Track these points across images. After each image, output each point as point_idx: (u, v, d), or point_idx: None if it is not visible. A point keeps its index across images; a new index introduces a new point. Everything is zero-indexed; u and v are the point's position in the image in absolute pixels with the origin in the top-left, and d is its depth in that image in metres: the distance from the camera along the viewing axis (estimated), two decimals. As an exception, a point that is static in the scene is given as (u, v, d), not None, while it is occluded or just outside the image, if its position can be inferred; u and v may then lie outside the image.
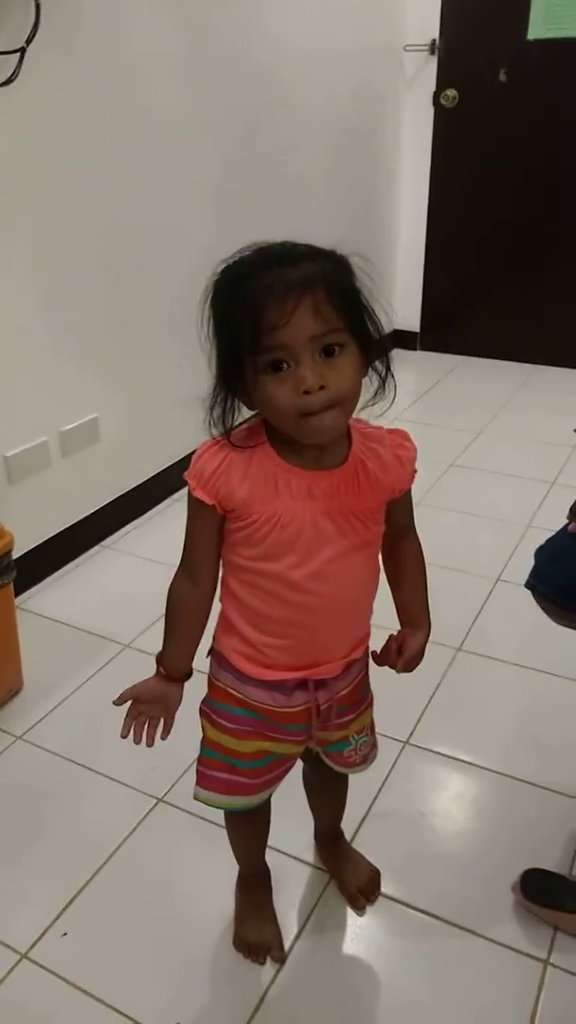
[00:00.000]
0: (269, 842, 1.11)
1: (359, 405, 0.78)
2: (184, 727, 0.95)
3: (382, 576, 0.93)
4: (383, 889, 1.18)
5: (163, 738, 0.93)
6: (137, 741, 0.92)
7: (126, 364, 2.11)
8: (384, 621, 0.96)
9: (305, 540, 0.80)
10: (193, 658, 0.92)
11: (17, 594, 1.72)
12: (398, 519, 0.89)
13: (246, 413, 0.80)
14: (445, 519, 2.21)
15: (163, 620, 0.90)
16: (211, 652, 0.94)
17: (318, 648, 0.88)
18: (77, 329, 1.91)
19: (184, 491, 0.83)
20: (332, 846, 1.20)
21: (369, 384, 0.79)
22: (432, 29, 3.21)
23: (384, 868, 1.19)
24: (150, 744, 0.92)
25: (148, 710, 0.91)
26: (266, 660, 0.87)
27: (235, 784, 0.94)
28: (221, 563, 0.87)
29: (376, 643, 0.97)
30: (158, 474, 2.28)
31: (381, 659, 0.96)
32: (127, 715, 0.92)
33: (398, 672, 0.96)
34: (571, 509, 1.06)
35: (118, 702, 0.91)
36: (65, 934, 1.12)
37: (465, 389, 3.29)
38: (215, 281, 0.75)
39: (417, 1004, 1.04)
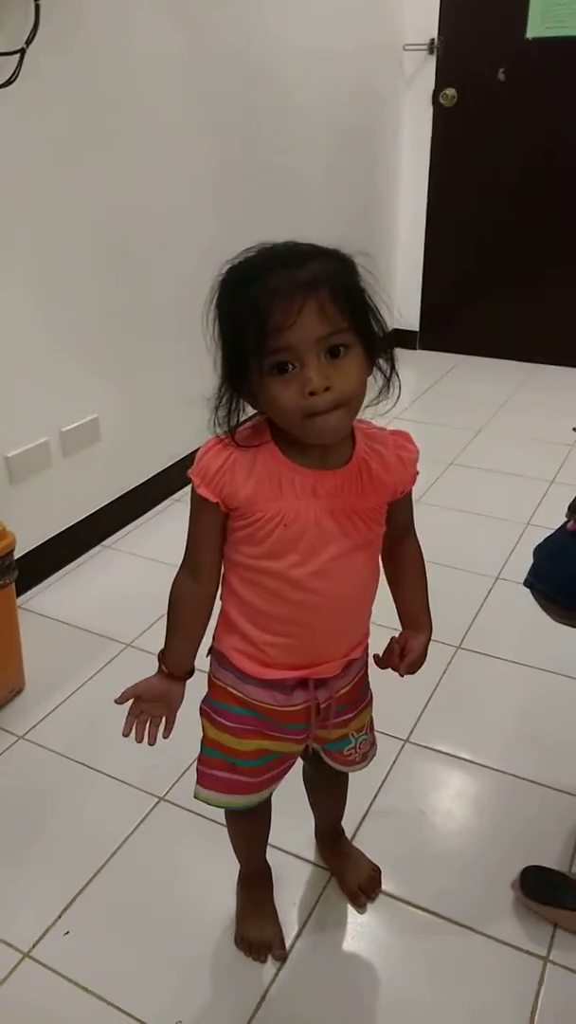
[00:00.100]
0: (270, 840, 1.11)
1: (363, 404, 0.78)
2: (185, 726, 0.95)
3: (382, 577, 0.93)
4: (384, 887, 1.18)
5: (165, 736, 0.94)
6: (139, 740, 0.92)
7: (126, 364, 2.11)
8: (385, 621, 0.97)
9: (308, 539, 0.80)
10: (195, 656, 0.92)
11: (19, 594, 1.72)
12: (399, 520, 0.90)
13: (250, 412, 0.81)
14: (445, 517, 2.21)
15: (164, 619, 0.90)
16: (211, 651, 0.94)
17: (318, 647, 0.88)
18: (77, 329, 1.91)
19: (185, 491, 0.84)
20: (333, 844, 1.21)
21: (374, 383, 0.79)
22: (431, 28, 3.21)
23: (384, 866, 1.20)
24: (152, 743, 0.93)
25: (150, 709, 0.92)
26: (266, 659, 0.87)
27: (235, 783, 0.95)
28: (224, 562, 0.87)
29: (376, 643, 0.97)
30: (159, 474, 2.29)
31: (384, 662, 0.97)
32: (128, 714, 0.92)
33: (401, 675, 0.96)
34: (570, 507, 1.06)
35: (120, 701, 0.91)
36: (67, 933, 1.12)
37: (464, 388, 3.29)
38: (220, 281, 0.76)
39: (418, 1001, 1.04)
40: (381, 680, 1.01)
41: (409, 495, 0.89)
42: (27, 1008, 1.04)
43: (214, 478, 0.79)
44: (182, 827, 1.27)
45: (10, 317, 1.72)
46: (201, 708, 0.96)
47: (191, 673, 0.92)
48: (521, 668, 1.64)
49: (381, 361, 0.78)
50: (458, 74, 3.25)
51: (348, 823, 1.22)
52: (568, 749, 1.42)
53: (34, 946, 1.11)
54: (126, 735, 0.92)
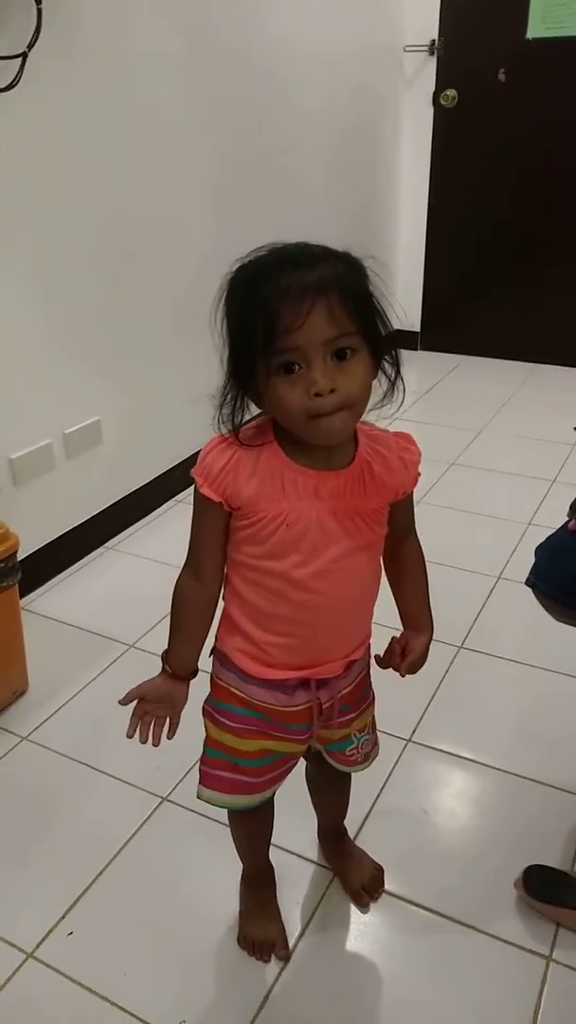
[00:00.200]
0: (273, 840, 1.11)
1: (367, 407, 0.79)
2: (189, 726, 0.96)
3: (384, 578, 0.93)
4: (386, 886, 1.18)
5: (169, 737, 0.94)
6: (143, 740, 0.92)
7: (128, 366, 2.12)
8: (387, 621, 0.97)
9: (310, 539, 0.81)
10: (199, 656, 0.92)
11: (22, 595, 1.73)
12: (400, 521, 0.90)
13: (254, 411, 0.81)
14: (446, 517, 2.21)
15: (167, 620, 0.91)
16: (214, 652, 0.94)
17: (320, 647, 0.88)
18: (79, 331, 1.92)
19: (187, 492, 0.84)
20: (335, 844, 1.21)
21: (378, 386, 0.79)
22: (431, 29, 3.21)
23: (387, 865, 1.20)
24: (156, 744, 0.93)
25: (154, 709, 0.92)
26: (269, 659, 0.88)
27: (238, 783, 0.95)
28: (227, 561, 0.88)
29: (378, 643, 0.97)
30: (161, 475, 2.29)
31: (385, 662, 0.97)
32: (132, 714, 0.93)
33: (402, 675, 0.96)
34: (571, 506, 1.07)
35: (123, 702, 0.92)
36: (71, 933, 1.13)
37: (466, 388, 3.30)
38: (230, 280, 0.76)
39: (420, 1000, 1.04)
40: (383, 680, 1.01)
41: (410, 496, 0.90)
42: (30, 1008, 1.04)
43: (217, 478, 0.80)
44: (185, 827, 1.27)
45: (12, 319, 1.72)
46: (204, 708, 0.96)
47: (195, 673, 0.93)
48: (523, 667, 1.64)
49: (386, 365, 0.79)
50: (458, 75, 3.25)
51: (351, 822, 1.22)
52: (570, 748, 1.42)
53: (38, 946, 1.11)
54: (130, 736, 0.93)
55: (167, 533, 2.17)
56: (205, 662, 0.95)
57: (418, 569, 0.96)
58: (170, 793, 1.34)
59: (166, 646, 0.92)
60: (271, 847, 1.13)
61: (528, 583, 1.05)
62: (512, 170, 3.28)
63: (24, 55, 1.56)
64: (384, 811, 1.31)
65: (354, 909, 1.16)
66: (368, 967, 1.09)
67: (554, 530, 1.08)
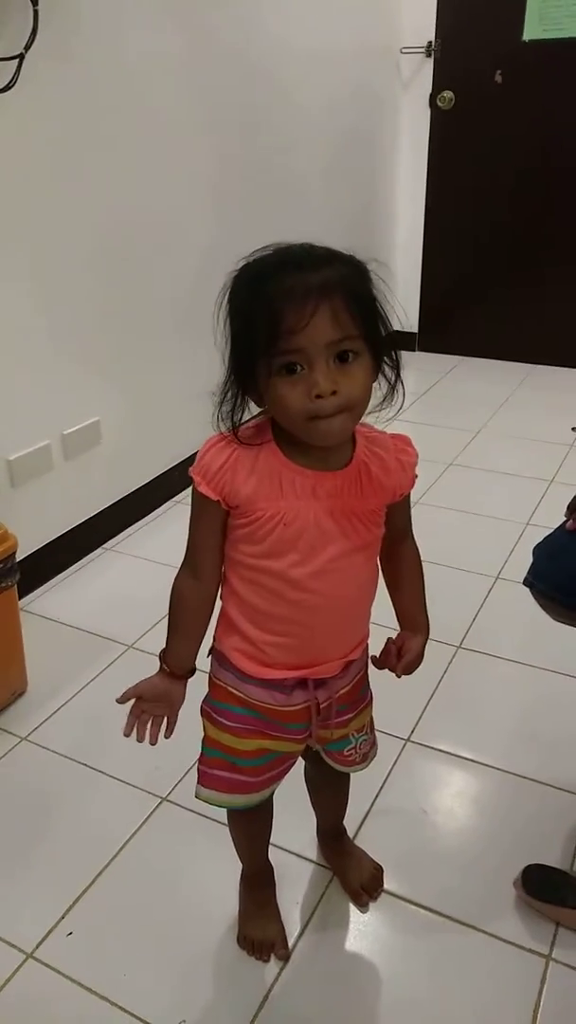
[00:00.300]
0: (272, 840, 1.12)
1: (367, 410, 0.79)
2: (187, 726, 0.96)
3: (381, 578, 0.94)
4: (386, 886, 1.18)
5: (166, 736, 0.94)
6: (140, 739, 0.92)
7: (127, 366, 2.12)
8: (385, 621, 0.97)
9: (307, 539, 0.81)
10: (196, 655, 0.92)
11: (21, 596, 1.73)
12: (396, 523, 0.90)
13: (254, 410, 0.81)
14: (444, 518, 2.21)
15: (166, 621, 0.91)
16: (212, 651, 0.94)
17: (318, 647, 0.89)
18: (78, 332, 1.92)
19: (186, 493, 0.84)
20: (335, 843, 1.21)
21: (378, 388, 0.80)
22: (428, 31, 3.22)
23: (386, 865, 1.20)
24: (153, 742, 0.93)
25: (151, 708, 0.92)
26: (266, 659, 0.88)
27: (236, 782, 0.95)
28: (224, 561, 0.88)
29: (376, 644, 0.97)
30: (160, 476, 2.29)
31: (381, 663, 0.97)
32: (130, 713, 0.93)
33: (398, 676, 0.97)
34: (569, 506, 1.07)
35: (121, 700, 0.92)
36: (70, 933, 1.13)
37: (463, 389, 3.30)
38: (234, 278, 0.76)
39: (420, 1000, 1.05)
40: (382, 680, 1.01)
41: (407, 498, 0.90)
42: (30, 1008, 1.04)
43: (215, 476, 0.80)
44: (185, 827, 1.27)
45: (11, 320, 1.73)
46: (202, 708, 0.96)
47: (192, 672, 0.93)
48: (521, 667, 1.64)
49: (387, 368, 0.79)
50: (455, 77, 3.26)
51: (350, 822, 1.22)
52: (569, 747, 1.42)
53: (37, 946, 1.11)
54: (127, 735, 0.93)
55: (166, 534, 2.17)
56: (203, 662, 0.95)
57: (415, 570, 0.96)
58: (169, 793, 1.34)
59: (164, 645, 0.92)
60: (270, 847, 1.13)
61: (526, 583, 1.06)
62: (509, 171, 3.29)
63: (21, 56, 1.56)
64: (383, 811, 1.31)
65: (353, 909, 1.16)
66: (368, 967, 1.09)
67: (552, 530, 1.08)
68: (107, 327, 2.02)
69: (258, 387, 0.76)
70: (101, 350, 2.02)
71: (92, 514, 2.09)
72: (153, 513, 2.28)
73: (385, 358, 0.78)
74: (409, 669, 0.97)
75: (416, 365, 3.51)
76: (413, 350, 3.71)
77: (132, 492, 2.22)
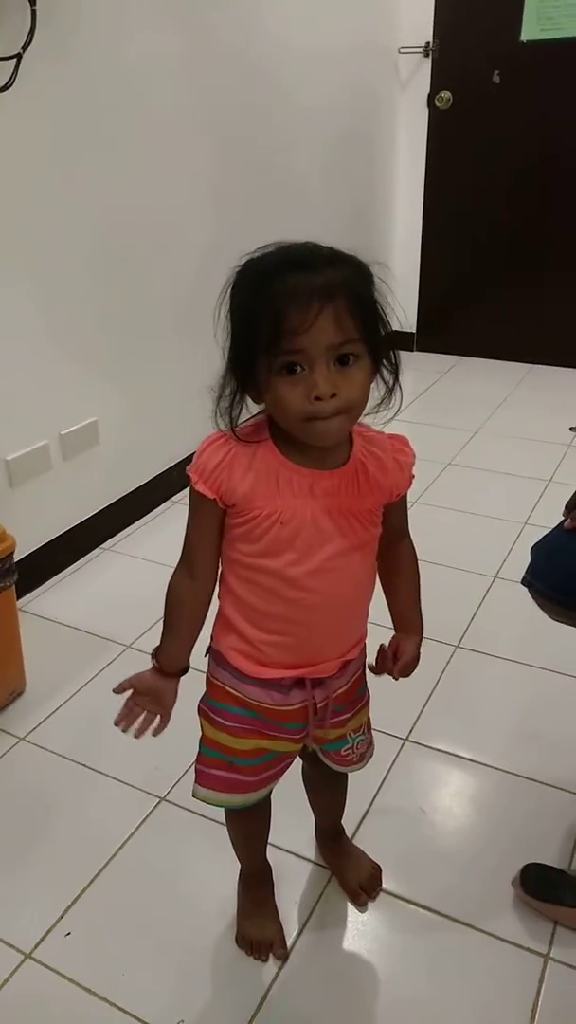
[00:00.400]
0: (270, 839, 1.11)
1: (364, 412, 0.79)
2: (185, 726, 0.96)
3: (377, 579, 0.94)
4: (384, 885, 1.18)
5: (154, 734, 0.94)
6: (124, 730, 0.93)
7: (125, 367, 2.12)
8: (383, 621, 0.97)
9: (304, 538, 0.81)
10: (189, 654, 0.92)
11: (19, 596, 1.73)
12: (393, 523, 0.90)
13: (252, 407, 0.81)
14: (443, 518, 2.22)
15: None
16: (209, 651, 0.94)
17: (315, 647, 0.89)
18: (76, 332, 1.92)
19: (185, 493, 0.85)
20: (333, 843, 1.21)
21: (376, 390, 0.80)
22: (426, 31, 3.22)
23: (385, 864, 1.20)
24: (137, 736, 0.93)
25: (143, 703, 0.93)
26: (264, 658, 0.88)
27: (234, 782, 0.95)
28: (220, 559, 0.88)
29: (373, 642, 0.97)
30: (158, 476, 2.29)
31: (378, 668, 0.97)
32: (124, 704, 0.93)
33: (396, 679, 0.97)
34: (567, 505, 1.07)
35: (117, 690, 0.93)
36: (69, 934, 1.13)
37: (462, 389, 3.30)
38: (238, 272, 0.76)
39: (418, 999, 1.05)
40: (380, 680, 1.01)
41: (404, 498, 0.90)
42: (29, 1008, 1.04)
43: (212, 474, 0.80)
44: (183, 827, 1.27)
45: (9, 320, 1.72)
46: (199, 707, 0.96)
47: (184, 671, 0.93)
48: (519, 667, 1.64)
49: (385, 373, 0.79)
50: (453, 77, 3.26)
51: (348, 822, 1.22)
52: (567, 747, 1.42)
53: (36, 947, 1.11)
54: (116, 724, 0.93)
55: (164, 534, 2.17)
56: (201, 662, 0.95)
57: (411, 571, 0.97)
58: (168, 793, 1.34)
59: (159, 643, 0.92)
60: (268, 846, 1.13)
61: (524, 582, 1.06)
62: (507, 171, 3.29)
63: (19, 56, 1.56)
64: (382, 810, 1.31)
65: (352, 908, 1.16)
66: (366, 966, 1.09)
67: (550, 529, 1.08)
68: (105, 327, 2.01)
69: (257, 384, 0.76)
70: (99, 350, 2.01)
71: (90, 514, 2.09)
72: (151, 513, 2.28)
73: (384, 361, 0.79)
74: (406, 671, 0.97)
75: (414, 365, 3.52)
76: (411, 350, 3.71)
77: (130, 492, 2.22)
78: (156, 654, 0.92)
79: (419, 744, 1.44)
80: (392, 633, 0.99)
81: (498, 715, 1.52)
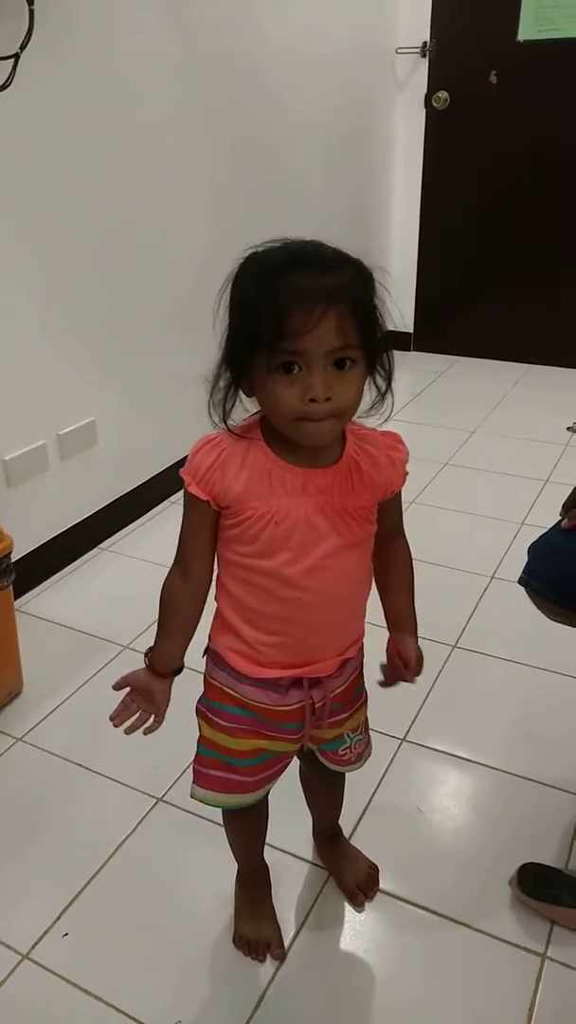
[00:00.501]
0: (268, 840, 1.12)
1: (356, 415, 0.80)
2: (182, 727, 0.96)
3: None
4: (381, 885, 1.19)
5: (146, 733, 0.94)
6: (116, 725, 0.94)
7: (123, 367, 2.12)
8: (381, 620, 0.97)
9: (299, 536, 0.81)
10: (182, 655, 0.93)
11: (16, 597, 1.72)
12: (388, 521, 0.91)
13: (246, 401, 0.81)
14: (440, 518, 2.22)
15: (161, 619, 0.91)
16: (207, 651, 0.94)
17: (312, 646, 0.89)
18: (74, 332, 1.92)
19: (181, 493, 0.84)
20: (330, 843, 1.21)
21: (368, 392, 0.80)
22: (423, 31, 3.23)
23: (382, 864, 1.20)
24: (128, 733, 0.94)
25: (138, 701, 0.93)
26: (261, 658, 0.88)
27: (232, 782, 0.95)
28: (216, 560, 0.88)
29: (371, 643, 0.97)
30: (155, 476, 2.29)
31: (391, 679, 0.97)
32: (121, 700, 0.94)
33: (414, 682, 0.96)
34: (564, 505, 1.07)
35: (116, 687, 0.93)
36: (66, 934, 1.13)
37: (459, 389, 3.31)
38: (241, 264, 0.76)
39: (416, 999, 1.05)
40: (377, 680, 1.01)
41: (399, 496, 0.90)
42: (26, 1009, 1.04)
43: (204, 476, 0.80)
44: (181, 828, 1.27)
45: (7, 320, 1.72)
46: (197, 708, 0.96)
47: (178, 672, 0.93)
48: (516, 666, 1.64)
49: (379, 378, 0.80)
50: (450, 77, 3.27)
51: (345, 822, 1.22)
52: (564, 746, 1.42)
53: (33, 947, 1.11)
54: (111, 719, 0.94)
55: (162, 534, 2.16)
56: (198, 662, 0.95)
57: (406, 569, 0.97)
58: (165, 794, 1.34)
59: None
60: (266, 847, 1.13)
61: (521, 582, 1.06)
62: (504, 171, 3.29)
63: (16, 56, 1.56)
64: (379, 810, 1.31)
65: (349, 908, 1.16)
66: (363, 966, 1.09)
67: (547, 529, 1.08)
68: (104, 326, 2.01)
69: (251, 378, 0.76)
70: (97, 350, 2.01)
71: (88, 514, 2.09)
72: (149, 513, 2.28)
73: (378, 367, 0.79)
74: (419, 671, 0.96)
75: (411, 365, 3.52)
76: (408, 350, 3.71)
77: (128, 492, 2.22)
78: (148, 652, 0.92)
79: (416, 744, 1.44)
80: (386, 633, 0.99)
81: (495, 715, 1.52)
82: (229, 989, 1.06)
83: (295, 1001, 1.05)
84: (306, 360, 0.72)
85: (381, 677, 0.99)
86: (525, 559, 1.07)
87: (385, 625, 0.98)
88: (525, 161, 3.23)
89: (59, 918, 1.15)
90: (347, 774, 1.09)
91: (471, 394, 3.20)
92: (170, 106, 2.08)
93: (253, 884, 1.14)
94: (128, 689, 0.94)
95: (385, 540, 0.92)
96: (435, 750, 1.43)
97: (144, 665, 0.93)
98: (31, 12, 1.57)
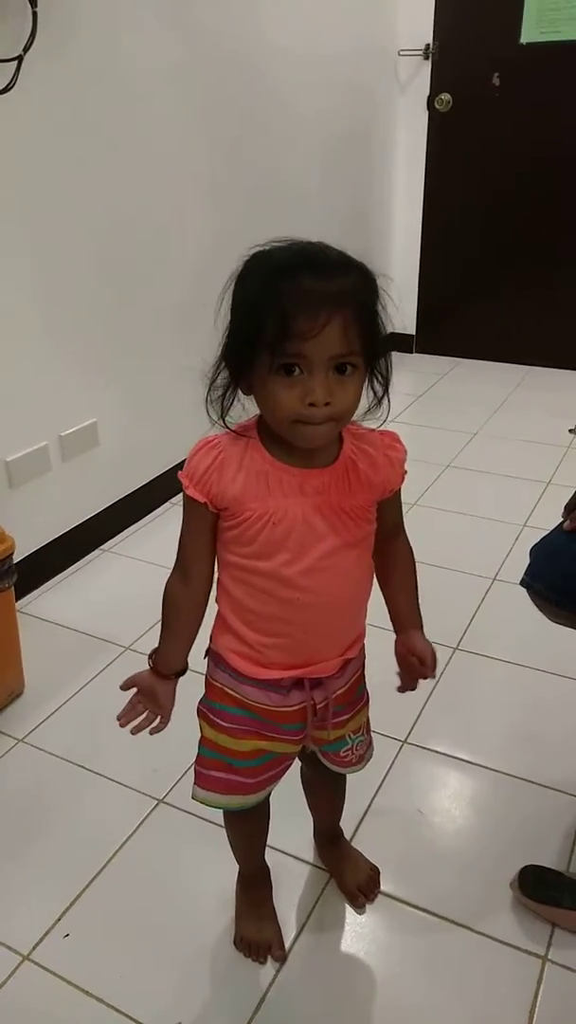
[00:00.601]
0: (269, 841, 1.12)
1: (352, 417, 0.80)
2: (184, 728, 0.96)
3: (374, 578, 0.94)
4: (382, 887, 1.18)
5: (151, 733, 0.95)
6: (122, 725, 0.94)
7: (125, 368, 2.12)
8: (381, 622, 0.97)
9: (296, 537, 0.81)
10: (185, 657, 0.93)
11: (18, 598, 1.73)
12: (388, 519, 0.91)
13: (246, 401, 0.81)
14: (442, 519, 2.22)
15: (163, 622, 0.91)
16: (208, 652, 0.95)
17: (312, 647, 0.89)
18: (77, 333, 1.92)
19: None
20: (331, 845, 1.21)
21: (364, 395, 0.80)
22: (426, 33, 3.23)
23: (383, 866, 1.20)
24: (133, 733, 0.94)
25: (144, 702, 0.94)
26: (262, 659, 0.88)
27: (233, 783, 0.95)
28: (216, 562, 0.88)
29: (371, 643, 0.97)
30: (157, 478, 2.29)
31: (409, 680, 0.96)
32: (128, 700, 0.95)
33: (433, 676, 0.95)
34: (566, 507, 1.07)
35: (123, 687, 0.94)
36: (67, 935, 1.13)
37: (461, 391, 3.30)
38: (246, 262, 0.76)
39: (416, 1001, 1.05)
40: (379, 682, 1.01)
41: (398, 494, 0.90)
42: (27, 1010, 1.04)
43: (202, 478, 0.81)
44: (182, 829, 1.27)
45: (9, 321, 1.73)
46: (198, 709, 0.96)
47: (181, 673, 0.93)
48: (518, 669, 1.64)
49: (376, 384, 0.80)
50: (453, 79, 3.27)
51: (346, 824, 1.22)
52: (565, 748, 1.42)
53: (34, 948, 1.11)
54: (118, 718, 0.95)
55: (163, 535, 2.16)
56: (200, 664, 0.95)
57: (408, 566, 0.96)
58: (166, 795, 1.33)
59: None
60: (267, 848, 1.13)
61: (523, 583, 1.06)
62: (506, 174, 3.29)
63: (20, 58, 1.57)
64: (380, 812, 1.31)
65: (350, 910, 1.16)
66: (364, 968, 1.09)
67: (549, 531, 1.08)
68: (106, 328, 2.02)
69: (251, 377, 0.77)
70: (99, 351, 2.02)
71: (89, 515, 2.09)
72: (151, 515, 2.29)
73: (377, 372, 0.79)
74: (434, 665, 0.95)
75: (414, 367, 3.52)
76: (411, 352, 3.71)
77: (130, 494, 2.22)
78: (151, 654, 0.93)
79: (418, 746, 1.44)
80: (388, 635, 0.98)
81: (497, 717, 1.52)
82: (230, 990, 1.06)
83: (296, 1003, 1.04)
84: (308, 364, 0.72)
85: (398, 683, 0.98)
86: (527, 561, 1.07)
87: (387, 628, 0.98)
88: (527, 163, 3.23)
89: (60, 919, 1.15)
90: (348, 776, 1.09)
91: (473, 396, 3.20)
92: (171, 107, 2.09)
93: (254, 885, 1.14)
94: (135, 689, 0.94)
95: (386, 539, 0.92)
96: (436, 752, 1.43)
97: (148, 667, 0.93)
98: (34, 14, 1.57)
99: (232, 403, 0.80)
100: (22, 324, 1.76)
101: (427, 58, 3.26)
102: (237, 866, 1.13)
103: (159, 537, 2.17)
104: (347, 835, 1.23)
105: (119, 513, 2.19)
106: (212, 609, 0.91)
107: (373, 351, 0.76)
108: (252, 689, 0.90)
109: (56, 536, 1.99)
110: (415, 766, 1.40)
